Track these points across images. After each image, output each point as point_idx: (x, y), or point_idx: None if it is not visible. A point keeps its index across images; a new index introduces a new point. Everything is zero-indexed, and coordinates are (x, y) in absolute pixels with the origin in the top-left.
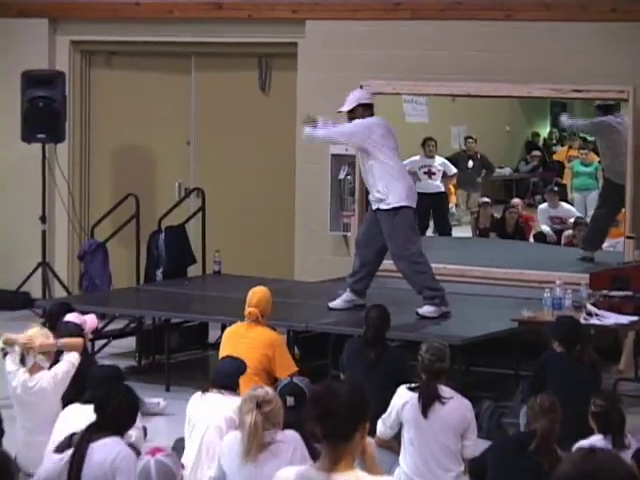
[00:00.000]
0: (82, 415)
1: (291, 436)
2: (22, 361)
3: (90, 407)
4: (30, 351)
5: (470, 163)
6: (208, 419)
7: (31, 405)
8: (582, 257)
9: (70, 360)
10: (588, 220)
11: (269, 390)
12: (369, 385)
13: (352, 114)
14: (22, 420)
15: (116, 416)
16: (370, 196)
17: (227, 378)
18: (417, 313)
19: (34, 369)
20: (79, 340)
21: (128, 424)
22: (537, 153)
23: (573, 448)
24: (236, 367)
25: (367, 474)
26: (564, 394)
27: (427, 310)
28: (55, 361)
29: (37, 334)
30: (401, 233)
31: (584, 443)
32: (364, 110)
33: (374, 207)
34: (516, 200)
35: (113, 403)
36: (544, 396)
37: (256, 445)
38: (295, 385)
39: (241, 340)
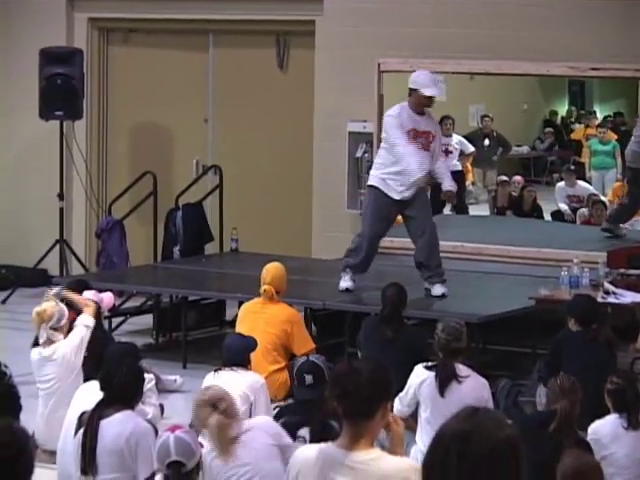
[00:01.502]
0: (98, 393)
1: (258, 421)
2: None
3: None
4: (42, 326)
5: (486, 141)
6: None
7: (51, 377)
8: (604, 228)
9: (85, 323)
10: (604, 198)
11: (216, 387)
12: (386, 363)
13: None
14: (42, 394)
15: (123, 389)
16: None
17: (237, 355)
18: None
19: (48, 344)
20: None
21: (136, 396)
22: (550, 130)
23: (589, 427)
24: (245, 344)
25: (386, 453)
26: (581, 373)
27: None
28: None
29: (52, 307)
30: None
31: (600, 422)
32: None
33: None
34: (517, 177)
35: (118, 376)
36: (564, 376)
37: (227, 443)
38: (313, 363)
39: (259, 316)
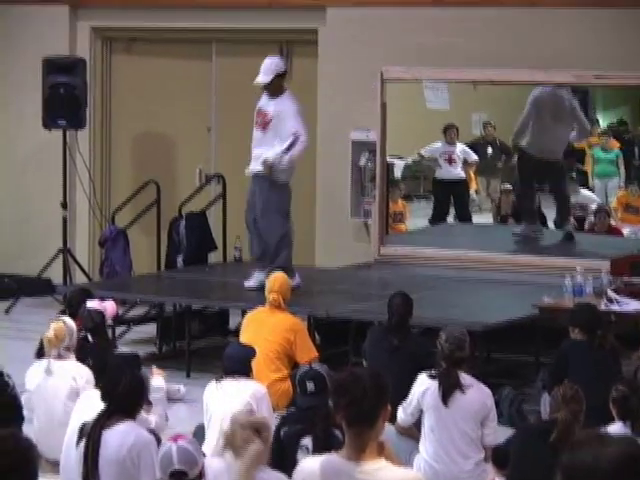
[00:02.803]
0: (99, 402)
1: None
2: (39, 354)
3: None
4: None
5: (489, 149)
6: (225, 407)
7: (52, 388)
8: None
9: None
10: (608, 207)
11: (258, 414)
12: (391, 372)
13: (269, 86)
14: (41, 406)
15: (124, 398)
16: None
17: (238, 364)
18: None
19: (57, 358)
20: None
21: (138, 405)
22: None
23: None
24: (245, 352)
25: (391, 463)
26: (585, 381)
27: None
28: (80, 358)
29: (62, 329)
30: None
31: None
32: (280, 80)
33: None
34: (508, 186)
35: (119, 386)
36: (567, 385)
37: (255, 470)
38: (315, 371)
39: (262, 325)
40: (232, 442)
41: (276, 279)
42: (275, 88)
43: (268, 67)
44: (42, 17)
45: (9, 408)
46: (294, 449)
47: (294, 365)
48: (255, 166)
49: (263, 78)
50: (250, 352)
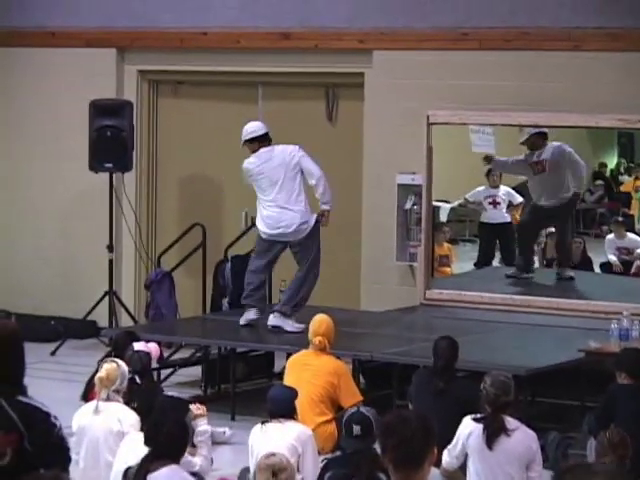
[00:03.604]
0: (142, 445)
1: None
2: (85, 396)
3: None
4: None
5: None
6: (270, 450)
7: (98, 429)
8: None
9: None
10: None
11: (283, 456)
12: (437, 415)
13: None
14: (86, 447)
15: (168, 443)
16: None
17: (282, 406)
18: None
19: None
20: None
21: (182, 449)
22: (600, 182)
23: None
24: (288, 394)
25: None
26: (632, 426)
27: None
28: (126, 400)
29: (114, 370)
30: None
31: None
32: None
33: None
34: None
35: (163, 430)
36: (614, 431)
37: None
38: (362, 414)
39: (306, 368)
40: None
41: (321, 322)
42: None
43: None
44: (90, 60)
45: (56, 450)
46: None
47: (339, 408)
48: None
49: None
50: (293, 393)
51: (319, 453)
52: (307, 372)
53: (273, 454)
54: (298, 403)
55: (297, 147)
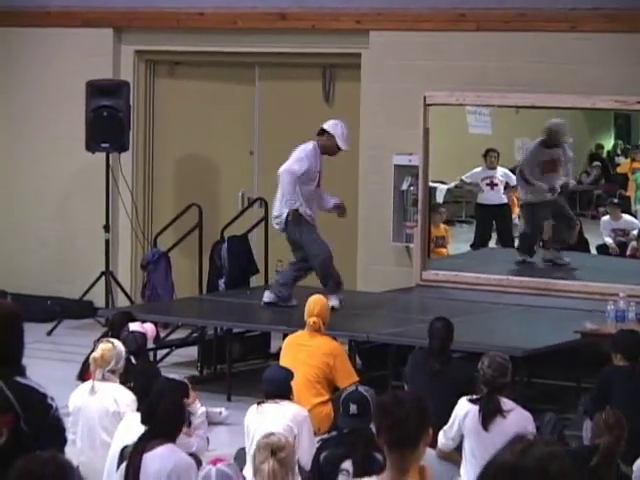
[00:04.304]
0: (140, 425)
1: None
2: (82, 376)
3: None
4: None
5: None
6: (266, 430)
7: (94, 409)
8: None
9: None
10: None
11: (282, 436)
12: (432, 396)
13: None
14: (83, 427)
15: (164, 422)
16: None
17: (278, 386)
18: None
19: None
20: None
21: (178, 428)
22: (597, 163)
23: (635, 463)
24: (284, 374)
25: None
26: (627, 407)
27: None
28: (122, 380)
29: (110, 350)
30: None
31: None
32: None
33: None
34: None
35: (159, 410)
36: (610, 412)
37: None
38: (360, 393)
39: (302, 348)
40: (255, 465)
41: (316, 302)
42: None
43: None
44: (87, 40)
45: (52, 431)
46: (335, 473)
47: (335, 389)
48: None
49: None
50: (289, 374)
51: (315, 434)
52: (303, 353)
53: (273, 433)
54: (294, 384)
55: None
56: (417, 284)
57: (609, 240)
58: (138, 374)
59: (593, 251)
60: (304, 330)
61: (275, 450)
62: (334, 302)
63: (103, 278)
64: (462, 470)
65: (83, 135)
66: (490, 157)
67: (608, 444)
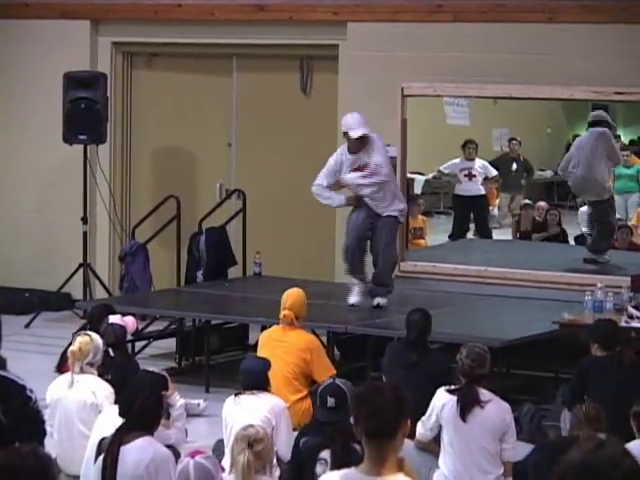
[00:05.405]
0: (118, 417)
1: None
2: (60, 368)
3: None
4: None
5: (514, 166)
6: (244, 422)
7: (72, 401)
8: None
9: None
10: (630, 223)
11: (260, 428)
12: (410, 387)
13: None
14: (61, 419)
15: (142, 415)
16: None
17: (256, 378)
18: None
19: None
20: None
21: (156, 420)
22: None
23: None
24: (261, 365)
25: (410, 479)
26: (606, 397)
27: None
28: (100, 373)
29: (87, 343)
30: None
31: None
32: None
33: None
34: (541, 203)
35: (137, 402)
36: (590, 404)
37: None
38: (337, 386)
39: (278, 344)
40: (231, 455)
41: (289, 295)
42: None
43: (362, 121)
44: (64, 31)
45: (32, 423)
46: (313, 461)
47: (312, 382)
48: None
49: (363, 130)
50: (266, 364)
51: (294, 430)
52: (280, 348)
53: (251, 425)
54: (272, 380)
55: None
56: (395, 275)
57: (587, 231)
58: (116, 367)
59: (571, 242)
60: (279, 325)
61: (252, 442)
62: (381, 300)
63: (81, 270)
64: (440, 460)
65: (60, 127)
66: (468, 148)
67: (587, 436)
